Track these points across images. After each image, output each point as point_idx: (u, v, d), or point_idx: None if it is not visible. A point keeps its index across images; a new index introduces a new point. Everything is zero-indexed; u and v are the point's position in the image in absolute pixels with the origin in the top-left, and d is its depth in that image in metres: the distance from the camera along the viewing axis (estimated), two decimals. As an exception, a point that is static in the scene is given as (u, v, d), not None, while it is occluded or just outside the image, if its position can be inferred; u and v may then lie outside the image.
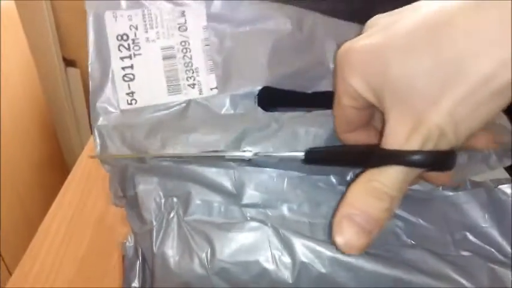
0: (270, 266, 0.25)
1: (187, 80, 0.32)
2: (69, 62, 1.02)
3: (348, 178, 0.30)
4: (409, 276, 0.25)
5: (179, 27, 0.31)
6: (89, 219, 0.39)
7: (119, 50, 0.31)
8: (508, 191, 0.27)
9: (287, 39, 0.32)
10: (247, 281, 0.26)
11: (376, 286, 0.25)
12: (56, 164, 1.13)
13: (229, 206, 0.28)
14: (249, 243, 0.26)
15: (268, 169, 0.29)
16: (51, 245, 0.37)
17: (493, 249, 0.27)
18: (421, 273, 0.26)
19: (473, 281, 0.26)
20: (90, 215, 0.40)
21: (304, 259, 0.25)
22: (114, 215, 0.40)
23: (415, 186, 0.29)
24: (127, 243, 0.28)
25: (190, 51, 0.32)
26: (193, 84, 0.32)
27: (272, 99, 0.33)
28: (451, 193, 0.29)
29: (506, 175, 0.30)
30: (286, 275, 0.25)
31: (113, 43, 0.30)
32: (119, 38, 0.30)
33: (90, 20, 0.30)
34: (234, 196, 0.28)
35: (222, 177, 0.28)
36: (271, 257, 0.26)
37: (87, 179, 0.44)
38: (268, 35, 0.32)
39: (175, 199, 0.28)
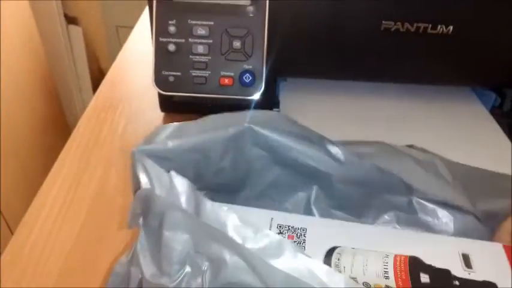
0: None
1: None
2: (70, 20, 0.98)
3: None
4: None
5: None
6: (88, 190, 0.37)
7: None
8: None
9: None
10: None
11: None
12: (58, 124, 1.11)
13: None
14: None
15: None
16: (46, 220, 0.35)
17: None
18: None
19: None
20: (89, 184, 0.38)
21: None
22: (113, 185, 0.38)
23: None
24: (117, 267, 0.24)
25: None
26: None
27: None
28: None
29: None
30: None
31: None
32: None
33: None
34: None
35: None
36: None
37: (86, 144, 0.42)
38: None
39: (206, 261, 0.21)
